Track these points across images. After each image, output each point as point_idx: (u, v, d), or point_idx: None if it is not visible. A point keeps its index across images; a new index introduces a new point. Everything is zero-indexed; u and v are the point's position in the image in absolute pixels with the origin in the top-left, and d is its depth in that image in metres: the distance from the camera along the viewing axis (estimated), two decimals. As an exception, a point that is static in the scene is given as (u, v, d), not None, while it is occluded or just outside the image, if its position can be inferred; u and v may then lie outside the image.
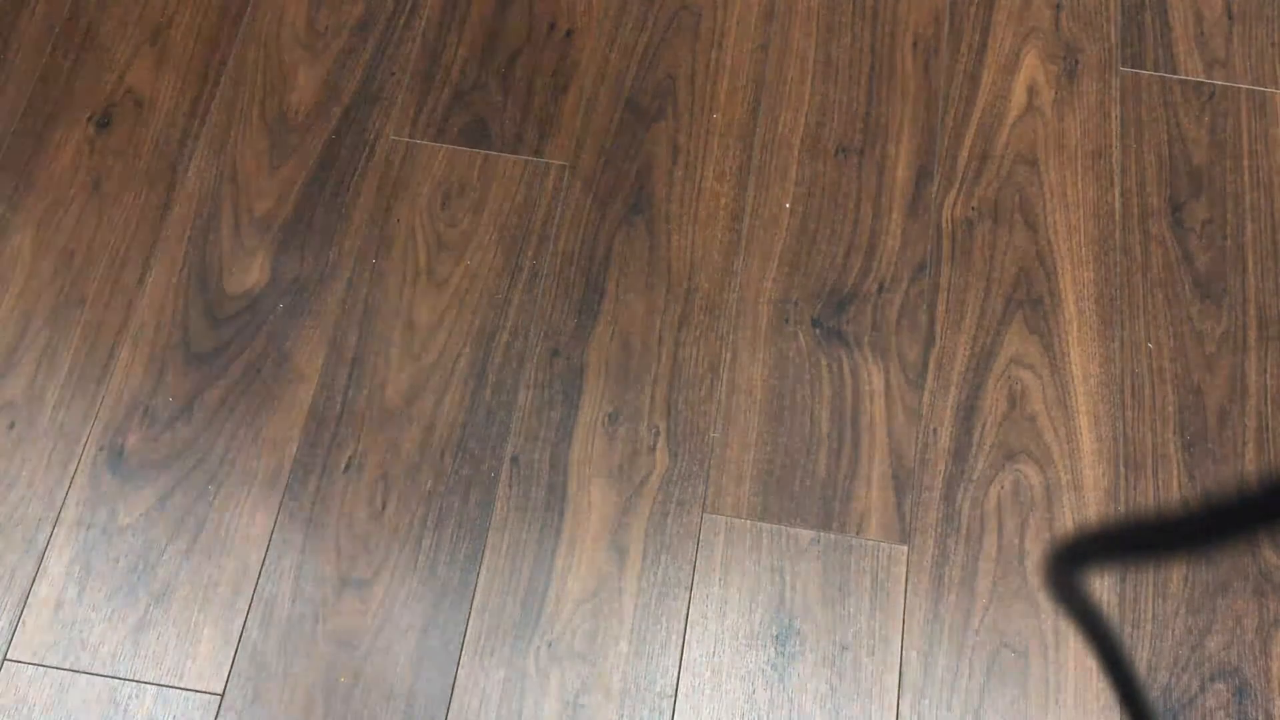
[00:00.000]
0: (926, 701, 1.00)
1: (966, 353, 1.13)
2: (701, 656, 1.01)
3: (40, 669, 0.99)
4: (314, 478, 1.07)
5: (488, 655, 1.00)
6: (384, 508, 1.06)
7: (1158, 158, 1.22)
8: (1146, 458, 1.09)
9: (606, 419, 1.09)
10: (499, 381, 1.11)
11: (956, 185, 1.21)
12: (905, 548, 1.05)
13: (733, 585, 1.03)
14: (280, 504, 1.05)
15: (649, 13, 1.29)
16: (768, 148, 1.22)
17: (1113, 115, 1.25)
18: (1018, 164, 1.22)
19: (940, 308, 1.15)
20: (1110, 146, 1.23)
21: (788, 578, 1.04)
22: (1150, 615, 1.03)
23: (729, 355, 1.12)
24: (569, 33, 1.28)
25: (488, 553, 1.04)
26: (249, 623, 1.01)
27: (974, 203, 1.20)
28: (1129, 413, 1.10)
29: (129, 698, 0.98)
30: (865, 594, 1.03)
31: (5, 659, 0.99)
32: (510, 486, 1.07)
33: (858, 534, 1.05)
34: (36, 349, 1.11)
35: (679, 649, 1.01)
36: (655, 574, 1.03)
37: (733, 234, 1.18)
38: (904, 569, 1.04)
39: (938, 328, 1.14)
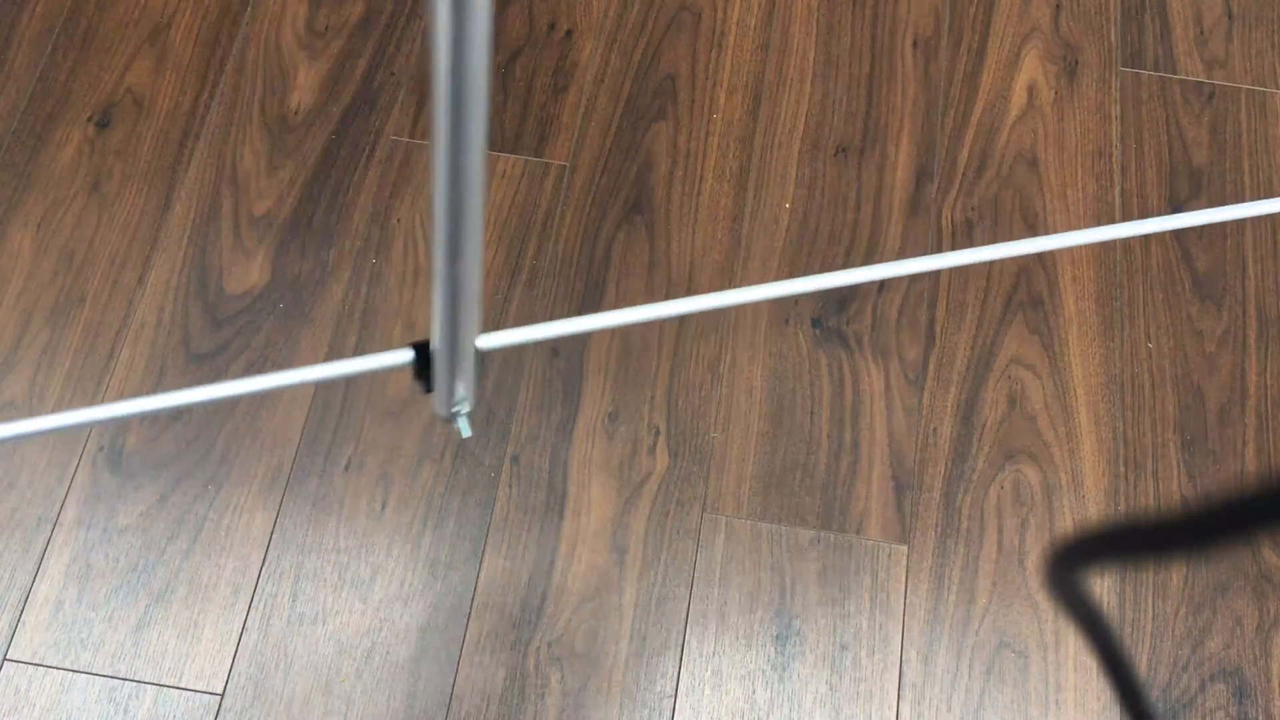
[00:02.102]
0: (926, 701, 1.00)
1: (966, 353, 1.13)
2: (701, 656, 1.01)
3: (40, 669, 0.99)
4: (314, 478, 1.07)
5: (488, 655, 1.00)
6: (384, 508, 1.06)
7: (1158, 158, 1.22)
8: (1146, 458, 1.09)
9: (606, 419, 1.09)
10: (499, 381, 1.11)
11: (956, 185, 1.21)
12: (905, 548, 1.05)
13: (733, 585, 1.03)
14: (280, 504, 1.05)
15: (649, 13, 1.29)
16: (768, 148, 1.22)
17: (1113, 115, 1.25)
18: (1018, 164, 1.22)
19: (940, 308, 1.15)
20: (1110, 146, 1.23)
21: (788, 578, 1.04)
22: (1150, 615, 1.03)
23: (729, 355, 1.12)
24: (569, 33, 1.28)
25: (488, 553, 1.04)
26: (249, 623, 1.01)
27: (974, 203, 1.20)
28: (1129, 413, 1.10)
29: (129, 698, 0.98)
30: (865, 594, 1.03)
31: (5, 659, 0.99)
32: (510, 486, 1.07)
33: (858, 534, 1.05)
34: (36, 349, 1.11)
35: (679, 649, 1.01)
36: (655, 574, 1.03)
37: (733, 234, 1.18)
38: (904, 569, 1.04)
39: (938, 328, 1.14)
